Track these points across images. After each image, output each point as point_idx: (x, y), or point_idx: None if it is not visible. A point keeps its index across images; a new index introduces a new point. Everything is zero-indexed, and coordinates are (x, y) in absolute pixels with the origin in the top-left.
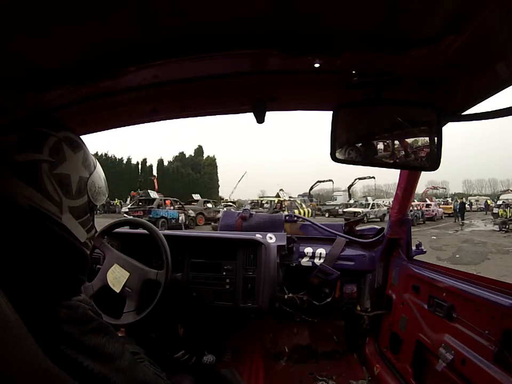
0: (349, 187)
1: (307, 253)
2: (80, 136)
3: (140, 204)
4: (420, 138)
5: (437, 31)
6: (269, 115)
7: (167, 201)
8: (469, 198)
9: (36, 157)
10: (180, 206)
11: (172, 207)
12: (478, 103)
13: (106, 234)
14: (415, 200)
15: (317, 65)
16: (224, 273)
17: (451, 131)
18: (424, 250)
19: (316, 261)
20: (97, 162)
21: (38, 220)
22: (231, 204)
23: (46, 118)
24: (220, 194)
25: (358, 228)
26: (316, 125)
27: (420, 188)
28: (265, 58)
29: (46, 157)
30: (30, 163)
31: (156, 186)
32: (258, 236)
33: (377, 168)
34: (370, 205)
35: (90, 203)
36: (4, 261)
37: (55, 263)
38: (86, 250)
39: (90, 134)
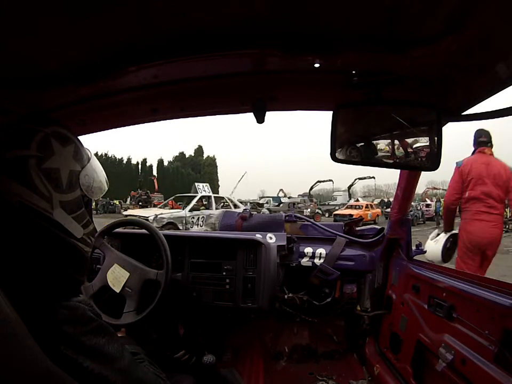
0: (349, 187)
1: (307, 253)
2: (80, 136)
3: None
4: (420, 138)
5: (437, 31)
6: (269, 115)
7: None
8: None
9: (23, 153)
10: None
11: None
12: (478, 103)
13: (106, 234)
14: (415, 200)
15: (317, 65)
16: (224, 273)
17: (451, 131)
18: (424, 250)
19: (316, 261)
20: (93, 156)
21: (28, 217)
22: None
23: (33, 115)
24: (220, 194)
25: (358, 228)
26: (316, 125)
27: (420, 188)
28: (265, 58)
29: (33, 152)
30: (18, 159)
31: (156, 186)
32: (258, 236)
33: (377, 168)
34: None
35: (85, 197)
36: (1, 260)
37: (50, 261)
38: (84, 247)
39: (91, 134)
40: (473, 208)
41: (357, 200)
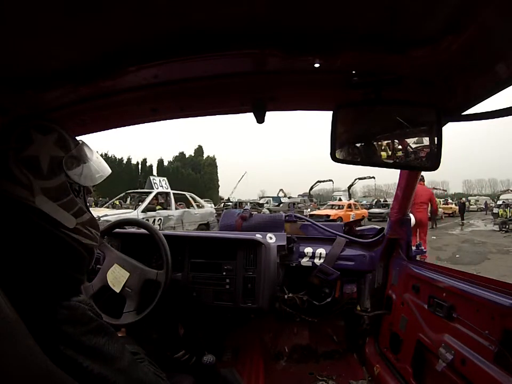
0: (349, 187)
1: (307, 253)
2: (80, 136)
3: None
4: (420, 138)
5: (437, 31)
6: (269, 115)
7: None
8: (469, 197)
9: (2, 148)
10: None
11: None
12: (478, 103)
13: (106, 234)
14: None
15: (317, 65)
16: (224, 273)
17: (451, 131)
18: (424, 250)
19: (316, 261)
20: (86, 144)
21: (11, 208)
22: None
23: (19, 117)
24: (220, 194)
25: (358, 228)
26: (316, 125)
27: None
28: (265, 58)
29: (12, 145)
30: None
31: None
32: (258, 236)
33: (377, 168)
34: None
35: (74, 184)
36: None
37: (44, 255)
38: (81, 238)
39: (91, 134)
40: (414, 207)
41: (340, 200)
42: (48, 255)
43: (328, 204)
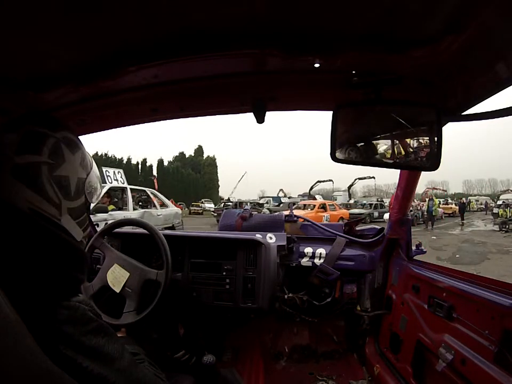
0: (349, 187)
1: (307, 253)
2: (80, 136)
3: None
4: (420, 138)
5: (437, 31)
6: (269, 115)
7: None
8: (469, 197)
9: (36, 159)
10: None
11: None
12: (478, 103)
13: (106, 234)
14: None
15: (317, 65)
16: (224, 273)
17: (451, 131)
18: (424, 250)
19: (316, 261)
20: (93, 161)
21: (37, 223)
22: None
23: (44, 118)
24: (220, 194)
25: (358, 228)
26: (316, 125)
27: (420, 188)
28: (265, 58)
29: (45, 158)
30: (30, 165)
31: (156, 186)
32: (258, 236)
33: (377, 168)
34: None
35: (87, 203)
36: (4, 263)
37: (54, 264)
38: (83, 249)
39: (90, 134)
40: None
41: (314, 198)
42: (54, 259)
43: (299, 203)
